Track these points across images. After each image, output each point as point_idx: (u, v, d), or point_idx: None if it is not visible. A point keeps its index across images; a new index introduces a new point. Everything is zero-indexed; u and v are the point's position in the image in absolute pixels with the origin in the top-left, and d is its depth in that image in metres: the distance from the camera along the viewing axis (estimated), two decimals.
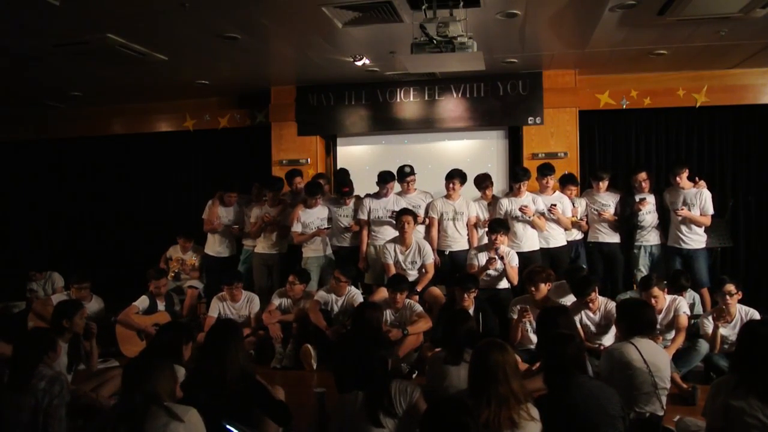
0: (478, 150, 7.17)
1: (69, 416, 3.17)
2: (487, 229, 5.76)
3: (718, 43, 5.45)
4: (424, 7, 4.11)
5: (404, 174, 5.98)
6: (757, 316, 4.58)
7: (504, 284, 5.50)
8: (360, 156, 7.40)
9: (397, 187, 6.06)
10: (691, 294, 5.19)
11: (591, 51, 5.75)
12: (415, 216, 5.59)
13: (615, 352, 3.34)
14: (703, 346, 4.49)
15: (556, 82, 6.64)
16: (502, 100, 6.72)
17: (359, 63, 5.83)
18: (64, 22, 4.58)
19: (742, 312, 4.57)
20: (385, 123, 7.06)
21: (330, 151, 7.53)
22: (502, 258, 5.32)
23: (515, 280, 5.38)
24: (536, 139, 6.68)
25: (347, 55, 5.74)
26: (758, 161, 6.58)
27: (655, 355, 3.29)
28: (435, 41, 4.02)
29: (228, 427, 2.76)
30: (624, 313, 3.51)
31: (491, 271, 5.39)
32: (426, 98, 6.91)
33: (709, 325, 4.52)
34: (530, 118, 6.66)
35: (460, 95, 6.82)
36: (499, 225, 5.40)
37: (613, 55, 5.90)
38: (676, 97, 6.53)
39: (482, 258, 5.42)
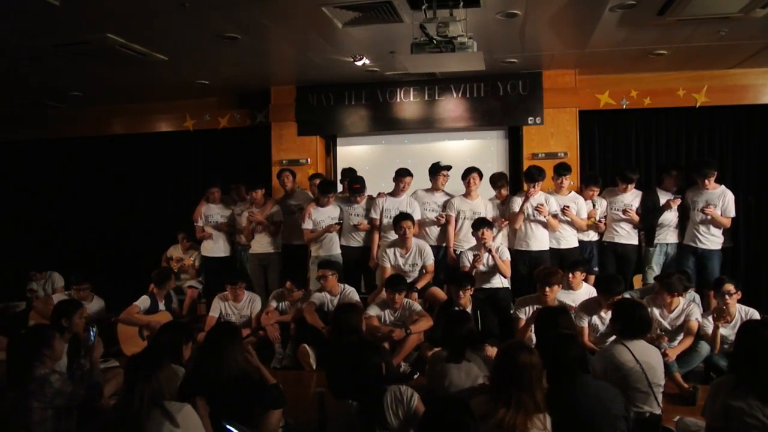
0: (478, 150, 7.17)
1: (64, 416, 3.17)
2: (501, 228, 5.77)
3: (718, 43, 5.44)
4: (424, 7, 4.10)
5: (439, 168, 5.95)
6: (757, 316, 4.59)
7: (502, 283, 5.50)
8: (360, 156, 7.40)
9: (414, 185, 6.07)
10: (691, 294, 5.18)
11: (591, 51, 5.75)
12: (413, 220, 5.58)
13: (607, 353, 3.35)
14: (704, 348, 4.49)
15: (556, 82, 6.63)
16: (502, 100, 6.72)
17: (359, 63, 5.83)
18: (64, 22, 4.58)
19: (742, 312, 4.58)
20: (385, 123, 7.06)
21: (330, 151, 7.52)
22: (490, 251, 5.33)
23: (507, 273, 5.42)
24: (536, 139, 6.67)
25: (347, 55, 5.73)
26: (758, 161, 6.57)
27: (647, 355, 3.30)
28: (435, 41, 4.02)
29: (228, 427, 2.77)
30: (620, 314, 3.51)
31: (481, 267, 5.39)
32: (426, 98, 6.91)
33: (709, 325, 4.53)
34: (530, 118, 6.66)
35: (460, 95, 6.82)
36: (482, 222, 5.42)
37: (613, 55, 5.89)
38: (676, 97, 6.52)
39: (470, 256, 5.43)
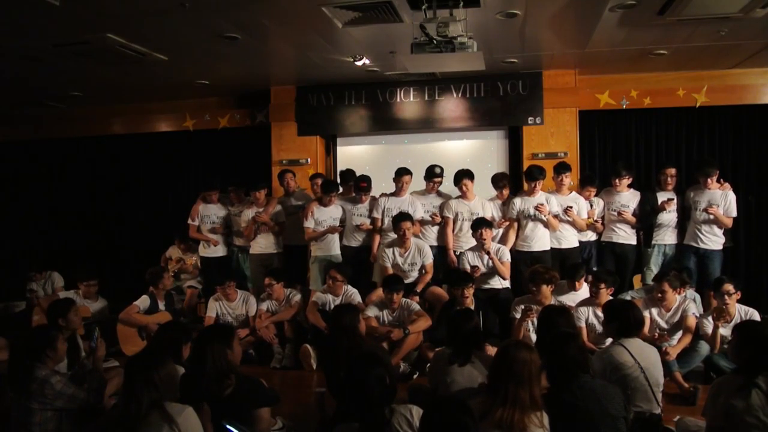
0: (478, 150, 7.17)
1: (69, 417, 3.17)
2: (501, 229, 5.77)
3: (718, 43, 5.44)
4: (424, 7, 4.10)
5: (434, 174, 5.98)
6: (756, 316, 4.59)
7: (503, 284, 5.50)
8: (360, 156, 7.40)
9: (414, 186, 6.09)
10: (691, 293, 5.18)
11: (591, 51, 5.75)
12: (412, 220, 5.58)
13: (605, 354, 3.35)
14: (704, 347, 4.50)
15: (556, 82, 6.63)
16: (502, 100, 6.71)
17: (359, 63, 5.83)
18: (64, 22, 4.58)
19: (742, 312, 4.58)
20: (385, 123, 7.06)
21: (330, 151, 7.52)
22: (488, 253, 5.32)
23: (506, 275, 5.41)
24: (536, 139, 6.67)
25: (347, 55, 5.73)
26: (758, 161, 6.56)
27: (645, 354, 3.31)
28: (435, 41, 4.02)
29: (228, 427, 2.76)
30: (613, 315, 3.52)
31: (482, 268, 5.41)
32: (426, 98, 6.91)
33: (709, 325, 4.53)
34: (530, 118, 6.65)
35: (460, 95, 6.82)
36: (481, 222, 5.40)
37: (613, 55, 5.89)
38: (676, 97, 6.52)
39: (471, 257, 5.45)
